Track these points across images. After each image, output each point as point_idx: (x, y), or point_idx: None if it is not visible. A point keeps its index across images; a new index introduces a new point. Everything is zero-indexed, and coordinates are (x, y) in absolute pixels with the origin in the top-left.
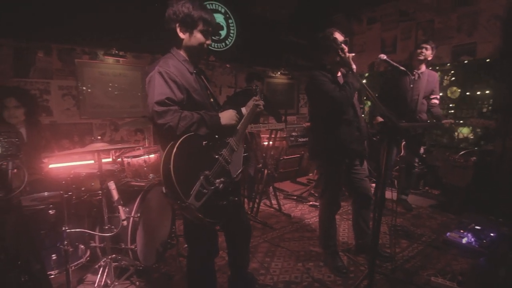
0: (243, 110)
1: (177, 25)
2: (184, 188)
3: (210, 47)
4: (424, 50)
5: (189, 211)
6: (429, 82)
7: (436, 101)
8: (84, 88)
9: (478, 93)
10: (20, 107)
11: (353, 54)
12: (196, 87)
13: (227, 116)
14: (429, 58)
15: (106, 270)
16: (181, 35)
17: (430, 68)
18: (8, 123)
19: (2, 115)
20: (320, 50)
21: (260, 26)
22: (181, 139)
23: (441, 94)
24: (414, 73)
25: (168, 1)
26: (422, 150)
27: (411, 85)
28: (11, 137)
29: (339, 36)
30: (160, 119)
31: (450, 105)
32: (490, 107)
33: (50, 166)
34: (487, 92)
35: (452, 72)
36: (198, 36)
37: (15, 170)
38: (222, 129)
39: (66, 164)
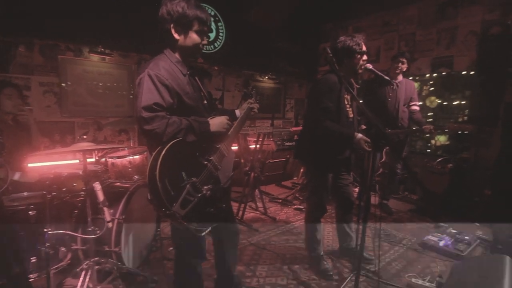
0: (237, 112)
1: (172, 25)
2: (170, 196)
3: None
4: (400, 64)
5: (174, 219)
6: (407, 90)
7: (416, 108)
8: (66, 85)
9: (455, 103)
10: (20, 98)
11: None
12: (188, 89)
13: (217, 123)
14: (404, 69)
15: (89, 273)
16: (176, 36)
17: (411, 78)
18: None
19: (1, 106)
20: (341, 54)
21: (250, 30)
22: (168, 145)
23: (420, 103)
24: (393, 82)
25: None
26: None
27: (390, 94)
28: None
29: (363, 46)
30: (147, 125)
31: (429, 113)
32: (465, 117)
33: (29, 165)
34: (463, 102)
35: (431, 82)
36: (193, 37)
37: None
38: (212, 135)
39: (46, 163)
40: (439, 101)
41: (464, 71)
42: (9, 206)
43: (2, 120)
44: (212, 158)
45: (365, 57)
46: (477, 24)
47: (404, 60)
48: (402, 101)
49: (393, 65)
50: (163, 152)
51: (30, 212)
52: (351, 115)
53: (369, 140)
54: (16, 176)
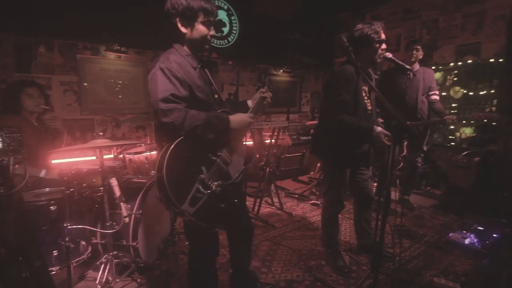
0: (249, 102)
1: (178, 19)
2: (178, 194)
3: (212, 44)
4: (415, 52)
5: (184, 217)
6: (425, 79)
7: (436, 97)
8: (85, 84)
9: (482, 93)
10: (42, 97)
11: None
12: (199, 83)
13: (238, 121)
14: (420, 57)
15: (108, 266)
16: (183, 29)
17: (433, 67)
18: (20, 116)
19: (23, 105)
20: (358, 42)
21: (263, 23)
22: (175, 143)
23: (444, 93)
24: (410, 71)
25: None
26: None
27: (407, 84)
28: (12, 132)
29: (382, 34)
30: (165, 118)
31: (453, 105)
32: (493, 108)
33: (53, 161)
34: (492, 92)
35: (455, 72)
36: (200, 29)
37: (17, 166)
38: (230, 133)
39: (67, 160)
40: (464, 91)
41: (492, 58)
42: (31, 201)
43: (25, 118)
44: (221, 153)
45: (384, 46)
46: (507, 6)
47: (419, 47)
48: (420, 91)
49: (408, 53)
50: (170, 150)
51: (51, 207)
52: (370, 107)
53: (389, 133)
54: (42, 173)
